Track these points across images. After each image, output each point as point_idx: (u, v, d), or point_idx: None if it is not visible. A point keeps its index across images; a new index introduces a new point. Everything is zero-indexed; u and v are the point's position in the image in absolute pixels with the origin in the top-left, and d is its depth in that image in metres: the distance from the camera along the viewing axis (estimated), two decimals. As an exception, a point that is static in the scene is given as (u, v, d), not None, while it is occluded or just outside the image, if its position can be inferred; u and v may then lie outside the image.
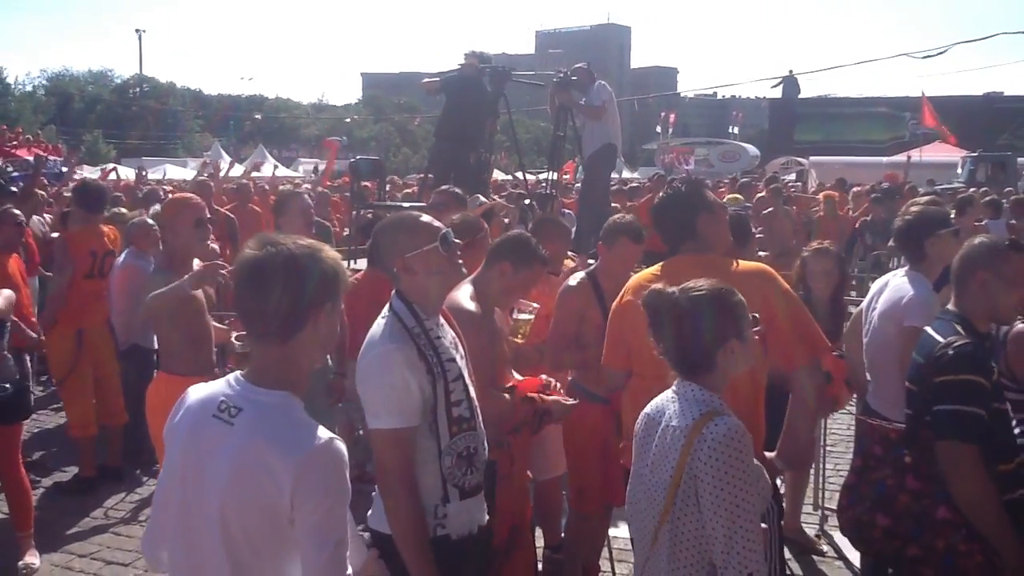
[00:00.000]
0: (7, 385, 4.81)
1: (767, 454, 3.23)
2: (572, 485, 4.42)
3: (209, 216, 4.75)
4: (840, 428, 7.22)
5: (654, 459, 2.49)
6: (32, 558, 5.00)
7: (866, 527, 3.15)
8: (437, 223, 2.85)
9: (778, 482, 4.27)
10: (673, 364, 2.54)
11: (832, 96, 54.55)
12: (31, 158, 20.23)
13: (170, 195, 8.61)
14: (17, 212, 6.62)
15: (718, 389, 2.47)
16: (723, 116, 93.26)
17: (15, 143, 21.74)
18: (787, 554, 4.56)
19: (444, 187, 6.22)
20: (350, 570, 2.03)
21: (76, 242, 6.43)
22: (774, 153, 39.35)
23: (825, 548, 5.19)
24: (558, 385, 3.85)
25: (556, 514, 4.87)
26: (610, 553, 4.66)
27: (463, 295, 3.49)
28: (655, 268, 3.51)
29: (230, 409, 2.02)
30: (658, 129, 54.56)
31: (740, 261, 3.37)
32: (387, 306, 2.81)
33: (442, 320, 2.89)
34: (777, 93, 45.08)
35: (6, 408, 4.87)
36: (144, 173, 16.30)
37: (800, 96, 45.83)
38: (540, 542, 4.76)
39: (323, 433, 1.98)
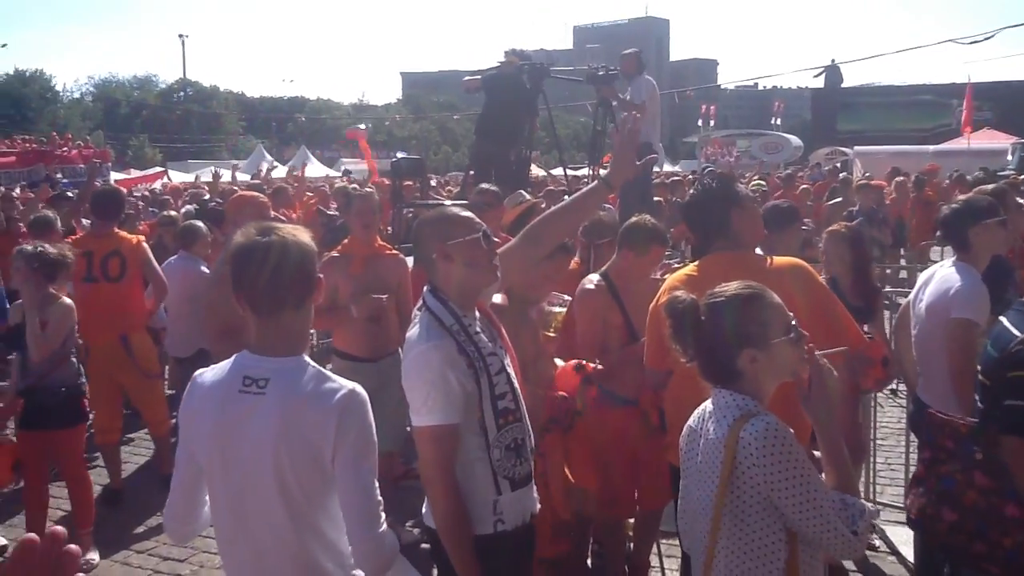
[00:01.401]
0: (63, 388, 4.95)
1: (815, 453, 3.21)
2: (602, 492, 4.26)
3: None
4: (891, 421, 7.14)
5: (699, 472, 2.45)
6: (92, 554, 5.13)
7: (931, 520, 3.09)
8: (478, 219, 2.88)
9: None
10: (699, 372, 2.50)
11: (876, 84, 53.78)
12: (82, 165, 20.80)
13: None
14: (55, 217, 6.80)
15: (753, 395, 2.39)
16: (764, 107, 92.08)
17: (65, 149, 22.22)
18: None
19: (485, 186, 6.25)
20: (380, 497, 2.30)
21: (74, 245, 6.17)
22: (817, 143, 38.89)
23: (878, 543, 5.13)
24: (595, 364, 3.83)
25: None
26: (659, 550, 4.65)
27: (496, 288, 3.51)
28: (690, 268, 3.50)
29: (257, 382, 2.28)
30: (700, 123, 54.12)
31: (774, 258, 3.33)
32: (419, 303, 2.83)
33: (479, 314, 2.90)
34: (819, 83, 44.60)
35: (68, 411, 5.01)
36: (219, 175, 16.57)
37: (843, 85, 45.21)
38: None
39: (344, 383, 2.29)
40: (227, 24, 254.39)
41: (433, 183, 12.69)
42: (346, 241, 5.35)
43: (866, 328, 4.55)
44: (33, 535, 1.13)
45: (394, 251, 5.44)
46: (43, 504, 5.17)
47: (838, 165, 27.20)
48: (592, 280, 4.38)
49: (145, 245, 6.33)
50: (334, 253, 5.23)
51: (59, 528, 1.15)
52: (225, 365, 2.39)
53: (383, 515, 2.31)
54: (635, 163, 3.13)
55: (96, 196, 6.74)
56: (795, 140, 43.28)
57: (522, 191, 6.96)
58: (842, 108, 44.29)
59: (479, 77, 9.90)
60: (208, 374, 2.44)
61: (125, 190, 14.45)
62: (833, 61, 41.51)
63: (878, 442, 6.08)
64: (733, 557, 2.33)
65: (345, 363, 5.02)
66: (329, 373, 2.33)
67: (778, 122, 52.19)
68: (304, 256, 2.34)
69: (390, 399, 4.25)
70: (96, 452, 6.40)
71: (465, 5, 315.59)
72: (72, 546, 1.14)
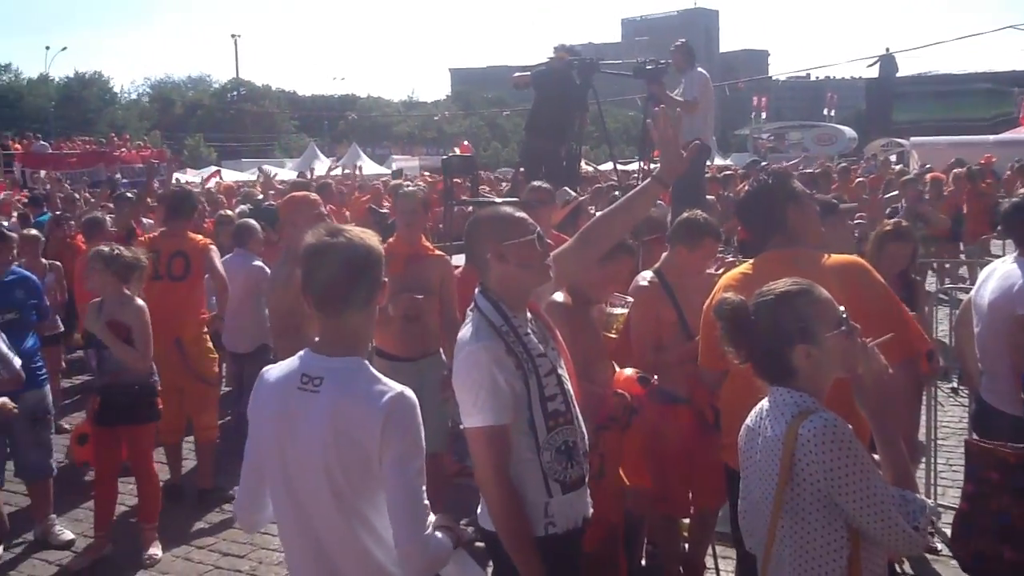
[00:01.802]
0: (136, 386, 5.08)
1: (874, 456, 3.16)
2: (656, 491, 4.26)
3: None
4: (951, 421, 6.98)
5: (758, 471, 2.44)
6: (155, 549, 5.25)
7: (991, 560, 2.97)
8: (531, 220, 2.88)
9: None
10: (755, 372, 2.49)
11: (932, 73, 52.52)
12: (141, 165, 21.26)
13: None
14: (108, 219, 6.95)
15: (810, 392, 2.38)
16: (817, 98, 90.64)
17: (123, 149, 22.74)
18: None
19: (537, 183, 6.24)
20: (427, 500, 2.30)
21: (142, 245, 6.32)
22: (872, 135, 38.17)
23: (939, 546, 5.03)
24: (655, 378, 3.82)
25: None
26: (714, 551, 4.61)
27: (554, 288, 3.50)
28: (745, 267, 3.46)
29: (313, 380, 2.34)
30: (753, 115, 53.45)
31: (832, 255, 3.26)
32: (471, 305, 2.83)
33: (530, 315, 2.90)
34: (874, 72, 43.89)
35: (141, 408, 5.14)
36: (274, 175, 16.90)
37: (898, 75, 44.31)
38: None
39: (395, 385, 2.32)
40: (279, 24, 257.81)
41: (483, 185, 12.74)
42: (391, 240, 5.38)
43: None
44: None
45: (438, 251, 5.43)
46: (112, 499, 5.32)
47: (892, 158, 26.68)
48: (645, 277, 4.36)
49: (213, 248, 6.37)
50: None
51: None
52: (291, 362, 2.44)
53: (429, 518, 2.33)
54: (683, 156, 3.12)
55: (169, 197, 6.88)
56: (849, 131, 42.54)
57: (567, 188, 6.94)
58: (897, 98, 43.43)
59: (528, 74, 9.87)
60: (274, 370, 2.50)
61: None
62: (888, 50, 40.79)
63: (939, 442, 5.96)
64: (794, 555, 2.32)
65: (384, 362, 5.00)
66: (381, 376, 2.36)
67: (832, 113, 51.39)
68: (370, 259, 2.38)
69: (430, 399, 4.27)
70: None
71: (514, 1, 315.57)
72: None
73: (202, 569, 5.14)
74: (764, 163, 20.66)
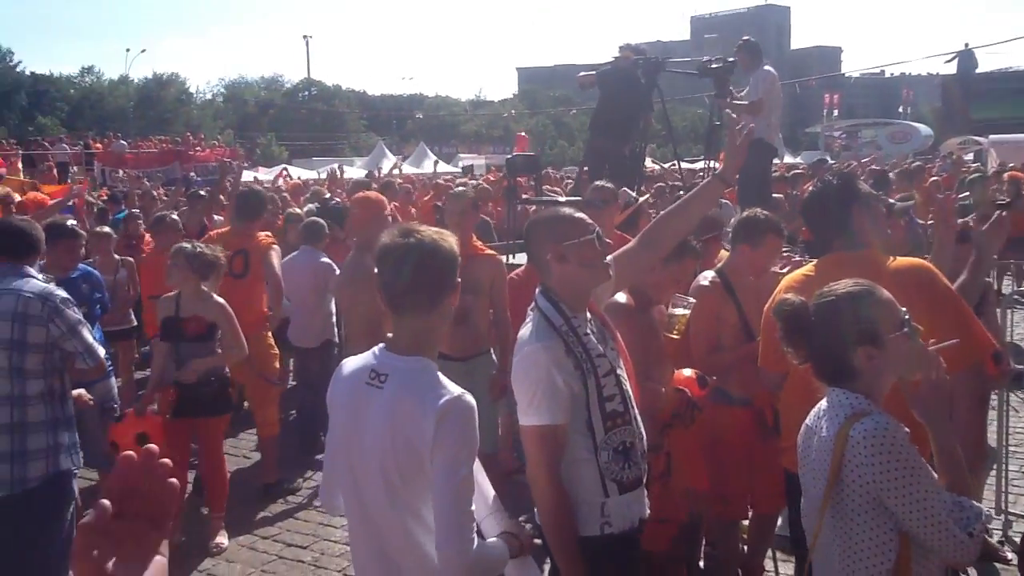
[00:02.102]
0: (212, 379, 5.23)
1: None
2: (715, 492, 4.27)
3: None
4: (1024, 426, 6.79)
5: (813, 471, 2.44)
6: (222, 538, 5.40)
7: None
8: (590, 220, 2.89)
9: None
10: (814, 373, 2.48)
11: (1013, 70, 50.83)
12: (214, 163, 21.82)
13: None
14: (176, 217, 7.14)
15: (869, 394, 2.36)
16: (892, 95, 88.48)
17: (198, 148, 23.34)
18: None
19: (600, 183, 6.24)
20: (474, 506, 2.31)
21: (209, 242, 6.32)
22: (949, 133, 37.10)
23: (1010, 555, 4.90)
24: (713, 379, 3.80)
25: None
26: (774, 555, 4.57)
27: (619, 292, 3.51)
28: (807, 268, 3.43)
29: (379, 376, 2.39)
30: (825, 112, 52.41)
31: (897, 258, 3.22)
32: (532, 304, 2.86)
33: (590, 315, 2.91)
34: (952, 68, 42.52)
35: (217, 400, 5.30)
36: (340, 173, 17.20)
37: (977, 71, 42.97)
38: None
39: (455, 389, 2.32)
40: (349, 25, 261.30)
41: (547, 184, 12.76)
42: None
43: None
44: (131, 452, 1.21)
45: (489, 251, 5.47)
46: (182, 488, 5.46)
47: (968, 156, 25.87)
48: (707, 277, 4.34)
49: (274, 248, 6.48)
50: None
51: (153, 446, 1.22)
52: (366, 356, 2.50)
53: (473, 527, 2.30)
54: (745, 154, 3.12)
55: (237, 196, 7.03)
56: (924, 129, 41.41)
57: (627, 189, 6.92)
58: (976, 95, 42.10)
59: (593, 73, 9.85)
60: (350, 363, 2.55)
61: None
62: (967, 45, 39.52)
63: (1011, 449, 5.79)
64: (841, 555, 2.32)
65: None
66: (444, 379, 2.37)
67: (907, 111, 50.06)
68: (442, 259, 2.41)
69: (479, 399, 4.30)
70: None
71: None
72: (166, 460, 1.21)
73: (266, 558, 5.27)
74: (832, 162, 20.22)
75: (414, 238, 2.40)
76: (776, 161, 13.23)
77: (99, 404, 5.40)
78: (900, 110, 53.88)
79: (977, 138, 32.14)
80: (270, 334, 6.49)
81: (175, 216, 7.27)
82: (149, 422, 4.98)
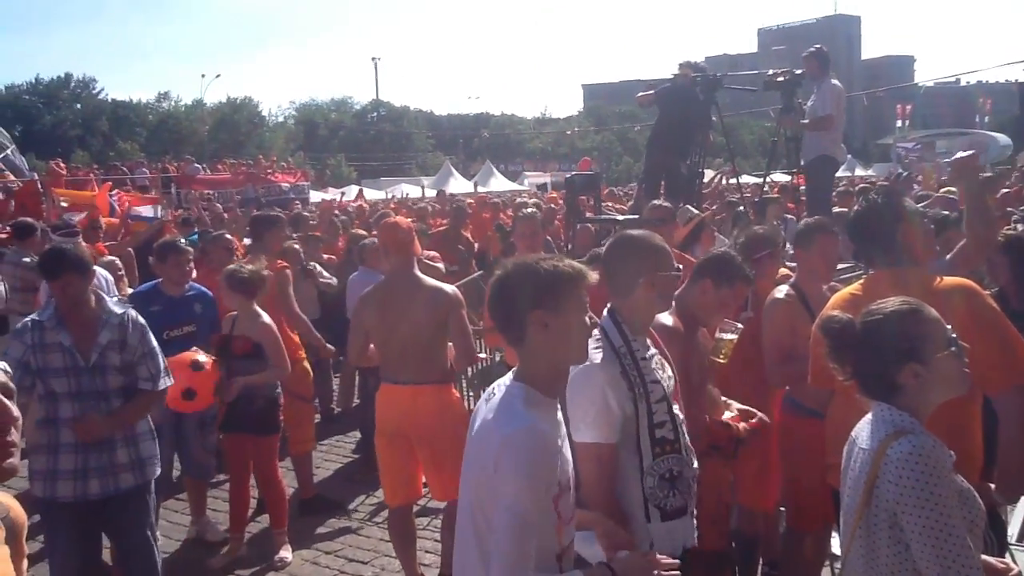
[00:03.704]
0: (259, 398, 5.38)
1: (989, 485, 3.05)
2: (788, 503, 4.31)
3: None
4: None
5: (851, 484, 2.45)
6: (285, 552, 5.54)
7: None
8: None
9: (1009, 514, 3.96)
10: (859, 389, 2.49)
11: (1098, 75, 49.04)
12: (284, 184, 22.39)
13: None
14: (229, 237, 7.36)
15: (914, 410, 2.37)
16: (967, 104, 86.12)
17: (270, 171, 23.92)
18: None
19: (657, 202, 6.26)
20: (524, 547, 2.16)
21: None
22: (1028, 142, 35.96)
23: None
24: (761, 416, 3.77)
25: (773, 530, 4.78)
26: (831, 570, 4.50)
27: (664, 313, 3.53)
28: (854, 287, 3.43)
29: (491, 393, 2.43)
30: (898, 123, 51.28)
31: (943, 277, 3.21)
32: (599, 324, 2.91)
33: (648, 340, 2.96)
34: (1031, 76, 41.15)
35: (265, 420, 5.45)
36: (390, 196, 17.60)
37: (1059, 78, 41.56)
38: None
39: (521, 420, 2.23)
40: (416, 46, 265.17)
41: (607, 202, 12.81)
42: None
43: None
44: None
45: None
46: (245, 500, 5.66)
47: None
48: (782, 290, 4.35)
49: (284, 272, 6.58)
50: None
51: None
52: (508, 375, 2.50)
53: (526, 570, 2.18)
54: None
55: (253, 220, 7.23)
56: (1003, 138, 40.17)
57: (689, 207, 6.92)
58: (1057, 103, 40.73)
59: (652, 92, 9.88)
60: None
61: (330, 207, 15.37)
62: (1047, 52, 38.14)
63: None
64: (862, 569, 2.35)
65: None
66: (520, 407, 2.28)
67: (985, 120, 48.67)
68: (520, 291, 2.34)
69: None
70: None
71: (646, 13, 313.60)
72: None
73: (328, 573, 5.37)
74: (906, 173, 19.77)
75: (507, 268, 2.42)
76: (847, 174, 13.06)
77: (199, 418, 5.61)
78: (977, 120, 52.30)
79: (1057, 148, 31.10)
80: (303, 353, 6.54)
81: (228, 235, 7.49)
82: (201, 378, 5.05)
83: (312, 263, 8.35)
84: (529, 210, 6.95)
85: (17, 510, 1.95)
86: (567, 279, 2.33)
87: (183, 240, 6.41)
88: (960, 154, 4.23)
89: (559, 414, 2.42)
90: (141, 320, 4.15)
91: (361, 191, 27.44)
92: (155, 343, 4.19)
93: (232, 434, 5.48)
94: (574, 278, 2.34)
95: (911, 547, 2.23)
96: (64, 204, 12.64)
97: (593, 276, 2.42)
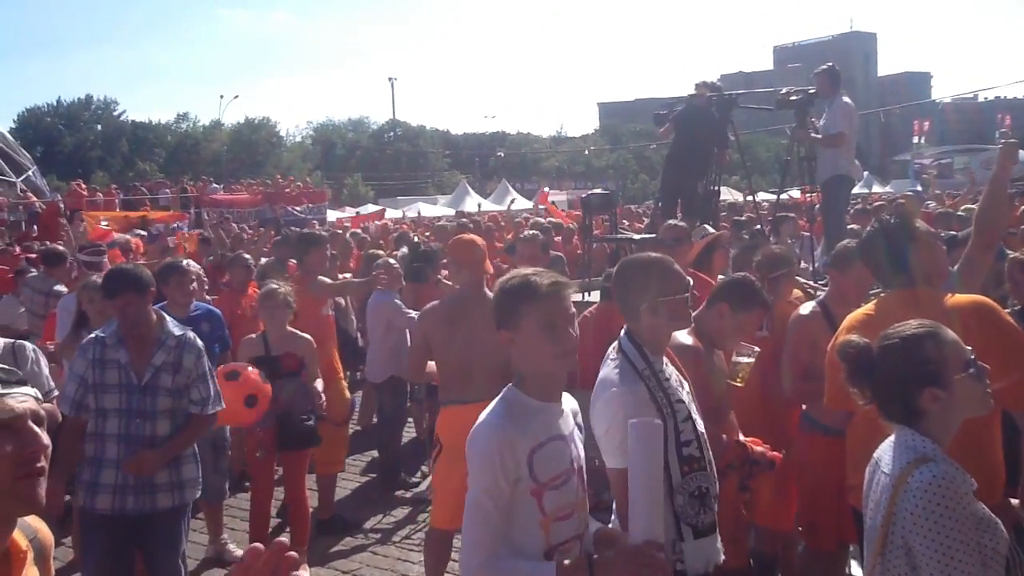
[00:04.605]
0: (311, 411, 5.49)
1: (1012, 501, 3.04)
2: (804, 521, 4.31)
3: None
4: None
5: (872, 507, 2.45)
6: (304, 571, 5.52)
7: None
8: (684, 273, 2.97)
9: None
10: (879, 413, 2.49)
11: (1118, 90, 48.74)
12: (303, 205, 22.63)
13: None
14: (247, 256, 7.44)
15: (936, 434, 2.36)
16: (986, 120, 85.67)
17: (288, 191, 24.13)
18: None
19: (673, 222, 6.29)
20: (478, 534, 2.32)
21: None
22: (1048, 158, 35.73)
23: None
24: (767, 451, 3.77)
25: (792, 551, 4.76)
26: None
27: (683, 332, 3.55)
28: (868, 308, 3.43)
29: None
30: (915, 140, 51.07)
31: (957, 295, 3.21)
32: (615, 346, 2.93)
33: (666, 360, 2.98)
34: (1050, 91, 40.97)
35: (301, 435, 5.50)
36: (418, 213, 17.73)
37: (1078, 93, 41.34)
38: None
39: (491, 418, 2.40)
40: (433, 66, 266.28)
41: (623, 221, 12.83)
42: None
43: None
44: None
45: None
46: (266, 517, 5.68)
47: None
48: (808, 307, 4.36)
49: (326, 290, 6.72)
50: None
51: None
52: None
53: (478, 548, 2.32)
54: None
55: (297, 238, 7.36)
56: (1022, 154, 39.92)
57: (706, 225, 6.95)
58: (1077, 118, 40.52)
59: (669, 123, 9.90)
60: None
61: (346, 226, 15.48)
62: (1065, 67, 37.98)
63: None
64: None
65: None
66: (496, 407, 2.45)
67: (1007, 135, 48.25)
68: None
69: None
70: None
71: (662, 31, 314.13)
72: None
73: (346, 592, 5.40)
74: (919, 190, 19.70)
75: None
76: (865, 191, 12.98)
77: (212, 440, 5.64)
78: (996, 135, 51.95)
79: (1078, 163, 30.88)
80: (341, 376, 6.64)
81: (246, 255, 7.58)
82: (256, 384, 5.12)
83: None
84: (531, 232, 7.02)
85: (45, 531, 1.99)
86: (517, 294, 2.43)
87: (186, 261, 6.44)
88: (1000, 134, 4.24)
89: (561, 416, 2.50)
90: (199, 343, 4.21)
91: (383, 210, 27.62)
92: (209, 366, 4.26)
93: (283, 451, 5.54)
94: (526, 292, 2.41)
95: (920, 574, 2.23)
96: (105, 226, 12.80)
97: (549, 281, 2.46)
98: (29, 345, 4.36)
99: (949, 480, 2.22)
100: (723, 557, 2.95)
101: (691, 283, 2.95)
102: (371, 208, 28.79)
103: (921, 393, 2.35)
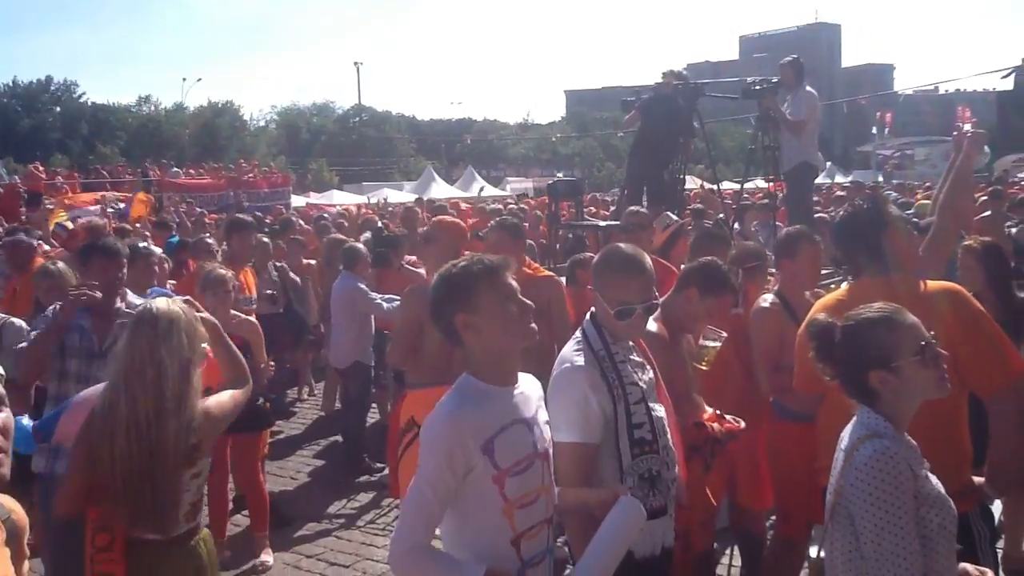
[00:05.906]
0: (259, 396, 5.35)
1: (976, 479, 3.11)
2: (778, 509, 4.34)
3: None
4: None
5: (832, 482, 2.54)
6: (267, 556, 5.53)
7: None
8: (647, 265, 3.00)
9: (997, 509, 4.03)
10: (843, 391, 2.58)
11: (1074, 84, 49.69)
12: (266, 190, 22.33)
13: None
14: (210, 241, 7.39)
15: (891, 414, 2.44)
16: (947, 112, 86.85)
17: (251, 175, 23.84)
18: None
19: (633, 208, 6.32)
20: (415, 518, 2.36)
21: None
22: (1004, 150, 36.37)
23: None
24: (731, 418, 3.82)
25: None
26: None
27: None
28: (841, 292, 3.48)
29: None
30: (874, 130, 51.70)
31: (929, 282, 3.26)
32: (580, 327, 3.01)
33: (631, 344, 3.02)
34: (1008, 84, 41.78)
35: (250, 417, 5.40)
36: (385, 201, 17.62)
37: (1035, 86, 42.13)
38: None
39: (444, 407, 2.42)
40: (399, 51, 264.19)
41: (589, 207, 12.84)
42: None
43: None
44: None
45: (546, 272, 5.53)
46: (224, 504, 5.60)
47: (1021, 175, 25.30)
48: (767, 299, 4.39)
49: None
50: None
51: None
52: None
53: (410, 529, 2.36)
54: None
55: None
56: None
57: (669, 213, 7.00)
58: (1034, 111, 41.24)
59: (635, 111, 9.95)
60: None
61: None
62: None
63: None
64: (828, 562, 2.50)
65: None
66: (451, 395, 2.47)
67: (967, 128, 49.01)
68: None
69: None
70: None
71: (629, 20, 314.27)
72: None
73: (310, 577, 5.39)
74: (877, 181, 19.95)
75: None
76: (827, 181, 13.14)
77: None
78: (965, 128, 52.70)
79: (1034, 155, 31.47)
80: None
81: (209, 239, 7.53)
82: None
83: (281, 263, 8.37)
84: (501, 219, 7.00)
85: (19, 513, 1.98)
86: (476, 276, 2.44)
87: (147, 244, 6.34)
88: (968, 127, 4.28)
89: (522, 399, 2.52)
90: None
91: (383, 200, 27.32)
92: None
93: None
94: (484, 273, 2.44)
95: (860, 544, 2.34)
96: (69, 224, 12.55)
97: (506, 264, 2.51)
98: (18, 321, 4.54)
99: (891, 455, 2.33)
100: (673, 540, 3.00)
101: (653, 295, 2.98)
102: (337, 195, 28.55)
103: (868, 375, 2.46)
